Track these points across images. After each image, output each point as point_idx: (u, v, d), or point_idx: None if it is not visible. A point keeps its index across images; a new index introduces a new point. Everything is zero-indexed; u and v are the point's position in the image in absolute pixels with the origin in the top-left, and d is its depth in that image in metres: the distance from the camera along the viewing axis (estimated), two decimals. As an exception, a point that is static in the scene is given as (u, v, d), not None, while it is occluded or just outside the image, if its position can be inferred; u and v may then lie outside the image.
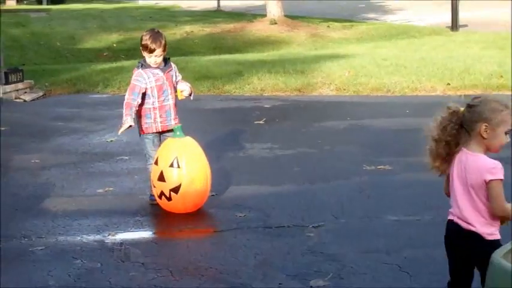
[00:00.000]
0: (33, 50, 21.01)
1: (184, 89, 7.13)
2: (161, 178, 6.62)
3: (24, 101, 13.51)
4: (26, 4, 41.97)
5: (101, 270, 5.52)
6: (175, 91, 7.14)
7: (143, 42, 6.94)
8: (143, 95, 6.92)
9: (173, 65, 7.18)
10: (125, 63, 16.47)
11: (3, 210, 6.94)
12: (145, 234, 6.36)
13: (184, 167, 6.63)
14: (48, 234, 6.31)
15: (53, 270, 5.54)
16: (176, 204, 6.68)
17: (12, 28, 24.23)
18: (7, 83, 13.59)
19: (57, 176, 8.15)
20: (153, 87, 6.94)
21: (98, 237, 6.24)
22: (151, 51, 6.89)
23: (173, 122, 7.04)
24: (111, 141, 9.71)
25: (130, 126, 6.75)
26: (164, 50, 6.96)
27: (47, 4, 39.43)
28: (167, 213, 6.75)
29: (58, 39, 22.58)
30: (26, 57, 19.82)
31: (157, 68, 7.00)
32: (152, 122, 7.00)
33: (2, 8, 30.60)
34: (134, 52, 19.10)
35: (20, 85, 13.88)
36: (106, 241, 6.14)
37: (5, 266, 5.69)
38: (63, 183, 7.86)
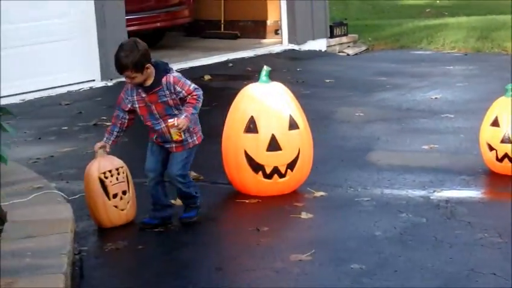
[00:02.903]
0: (355, 5, 21.25)
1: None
2: (506, 140, 6.40)
3: (348, 54, 13.75)
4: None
5: (427, 226, 5.49)
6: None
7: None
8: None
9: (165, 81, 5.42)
10: (449, 20, 16.16)
11: (330, 159, 7.12)
12: (472, 193, 6.20)
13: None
14: (373, 186, 6.37)
15: (379, 221, 5.59)
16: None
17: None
18: (332, 36, 13.91)
19: (381, 130, 8.20)
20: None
21: (423, 193, 6.20)
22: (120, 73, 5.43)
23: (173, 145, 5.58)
24: (435, 98, 9.59)
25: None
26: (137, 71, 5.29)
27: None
28: (494, 174, 6.54)
29: (381, -6, 22.67)
30: (349, 12, 20.11)
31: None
32: None
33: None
34: (458, 10, 18.77)
35: (344, 39, 14.15)
36: (432, 197, 6.08)
37: (332, 213, 5.86)
38: (387, 137, 7.90)
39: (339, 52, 13.84)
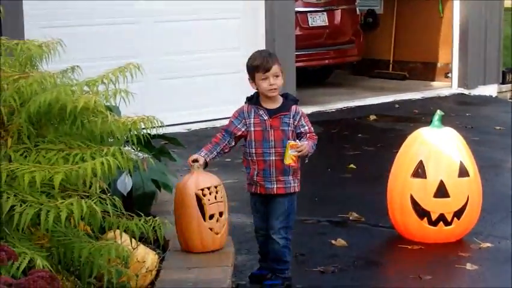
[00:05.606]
0: (528, 51, 20.66)
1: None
2: None
3: (519, 101, 13.35)
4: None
5: None
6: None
7: (253, 64, 5.12)
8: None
9: (294, 109, 5.16)
10: None
11: (499, 209, 6.85)
12: None
13: None
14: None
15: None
16: None
17: (509, 27, 24.07)
18: (504, 82, 13.54)
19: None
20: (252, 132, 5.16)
21: None
22: (267, 70, 5.03)
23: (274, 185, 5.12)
24: None
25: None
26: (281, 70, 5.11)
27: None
28: None
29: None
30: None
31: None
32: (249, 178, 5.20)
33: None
34: None
35: (515, 85, 13.78)
36: None
37: (498, 267, 5.64)
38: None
39: (510, 99, 13.44)
